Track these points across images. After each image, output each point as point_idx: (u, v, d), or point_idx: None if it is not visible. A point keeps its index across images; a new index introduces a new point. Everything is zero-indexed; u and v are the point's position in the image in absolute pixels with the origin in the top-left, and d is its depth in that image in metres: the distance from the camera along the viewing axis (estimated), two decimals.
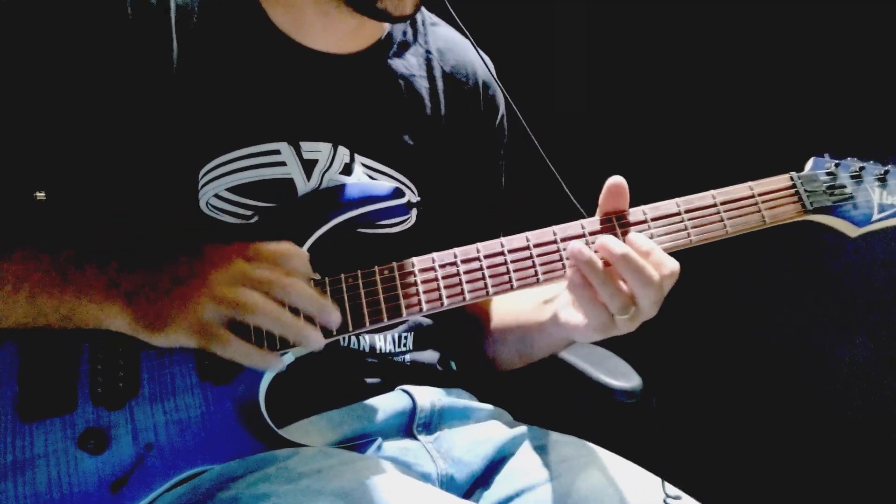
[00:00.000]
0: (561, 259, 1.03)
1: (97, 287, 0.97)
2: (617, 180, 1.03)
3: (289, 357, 1.02)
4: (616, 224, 1.04)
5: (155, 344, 0.96)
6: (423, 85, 1.24)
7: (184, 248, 0.98)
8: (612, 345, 1.46)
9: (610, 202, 1.05)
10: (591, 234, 1.04)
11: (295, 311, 0.96)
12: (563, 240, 1.03)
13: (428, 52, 1.26)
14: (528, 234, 1.04)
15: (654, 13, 2.21)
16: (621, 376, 1.42)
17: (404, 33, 1.25)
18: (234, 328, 0.95)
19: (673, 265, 0.99)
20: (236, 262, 0.95)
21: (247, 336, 0.96)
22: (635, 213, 1.05)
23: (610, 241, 0.98)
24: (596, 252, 0.98)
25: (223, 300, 0.93)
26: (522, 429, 1.20)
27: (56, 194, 1.09)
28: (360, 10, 1.08)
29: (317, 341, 0.96)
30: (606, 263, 0.98)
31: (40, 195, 1.08)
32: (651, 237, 1.03)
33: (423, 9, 1.28)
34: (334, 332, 1.00)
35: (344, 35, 1.14)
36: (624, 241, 1.00)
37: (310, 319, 0.97)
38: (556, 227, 1.04)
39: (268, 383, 1.01)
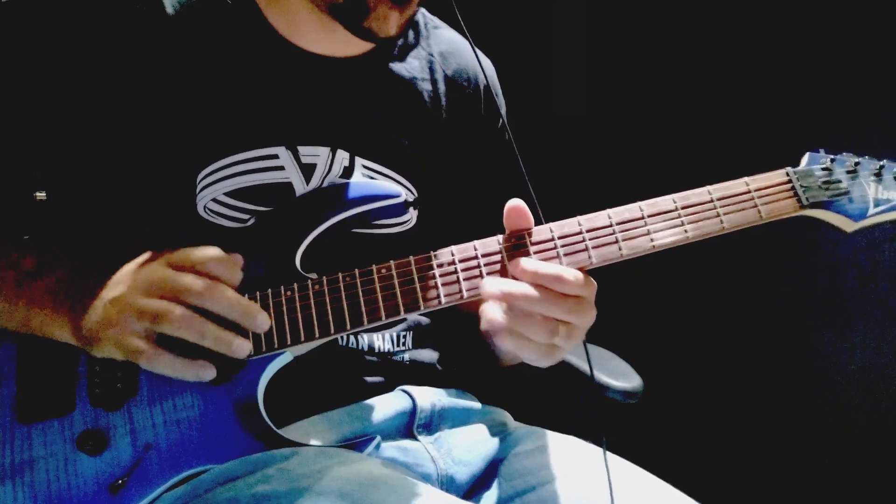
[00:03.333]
0: (558, 256, 1.02)
1: (46, 300, 0.97)
2: (513, 204, 1.01)
3: (287, 356, 1.02)
4: (524, 242, 1.02)
5: (97, 356, 0.95)
6: (424, 88, 1.24)
7: (122, 259, 0.97)
8: (613, 345, 1.47)
9: (511, 224, 1.02)
10: (492, 253, 1.02)
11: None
12: (561, 237, 1.03)
13: (430, 54, 1.26)
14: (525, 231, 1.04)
15: (653, 11, 2.22)
16: (621, 376, 1.42)
17: (406, 36, 1.25)
18: (171, 341, 0.92)
19: (569, 275, 0.95)
20: (157, 271, 0.93)
21: (192, 349, 0.93)
22: (541, 232, 1.03)
23: (485, 284, 0.97)
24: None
25: (141, 312, 0.91)
26: (523, 429, 1.20)
27: (56, 196, 1.09)
28: (346, 27, 1.08)
29: (244, 350, 0.94)
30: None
31: (40, 195, 1.08)
32: (557, 256, 1.01)
33: (425, 12, 1.29)
34: (333, 332, 1.00)
35: (341, 39, 1.14)
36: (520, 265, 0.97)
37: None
38: (552, 225, 1.04)
39: (266, 383, 1.01)
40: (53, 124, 1.04)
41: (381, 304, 1.00)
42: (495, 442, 1.18)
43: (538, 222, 1.03)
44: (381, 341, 1.16)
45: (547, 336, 0.95)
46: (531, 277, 0.95)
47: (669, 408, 2.16)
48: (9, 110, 1.04)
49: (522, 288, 0.94)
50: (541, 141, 1.16)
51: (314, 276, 1.03)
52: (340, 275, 1.02)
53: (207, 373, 0.94)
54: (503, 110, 1.35)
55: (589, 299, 0.98)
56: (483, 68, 1.28)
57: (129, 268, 0.95)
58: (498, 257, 1.02)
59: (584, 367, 1.38)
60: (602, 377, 1.41)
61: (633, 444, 1.29)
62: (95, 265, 0.98)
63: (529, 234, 1.02)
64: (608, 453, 1.12)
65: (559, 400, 1.42)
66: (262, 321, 0.95)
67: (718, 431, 2.32)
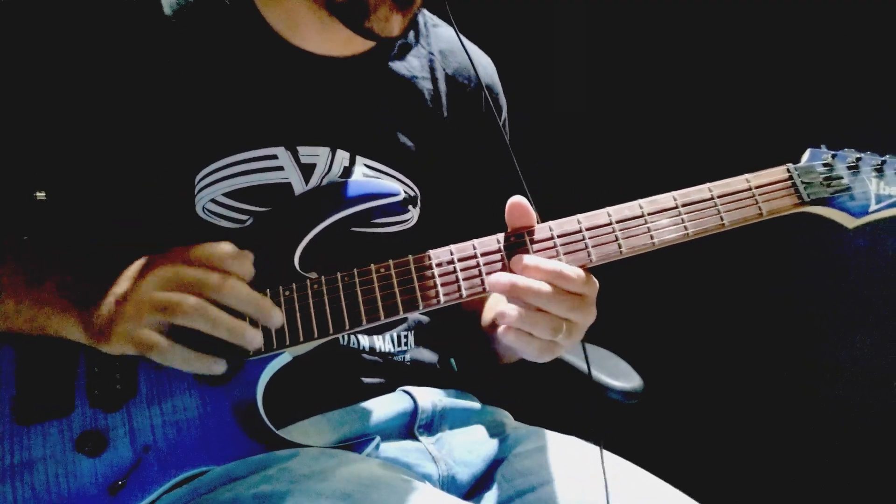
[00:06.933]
0: (557, 255, 1.02)
1: (54, 298, 0.97)
2: (515, 200, 1.02)
3: (286, 356, 1.02)
4: (524, 240, 1.03)
5: (109, 353, 0.95)
6: (425, 86, 1.23)
7: (124, 259, 0.97)
8: (612, 345, 1.46)
9: (514, 221, 1.03)
10: (491, 252, 1.03)
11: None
12: (560, 235, 1.03)
13: (430, 53, 1.26)
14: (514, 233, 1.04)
15: (653, 8, 2.22)
16: (621, 376, 1.42)
17: (406, 36, 1.24)
18: (182, 336, 0.92)
19: (572, 272, 0.97)
20: (170, 266, 0.93)
21: (203, 343, 0.93)
22: (541, 230, 1.03)
23: (494, 279, 0.98)
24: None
25: (154, 305, 0.90)
26: (523, 429, 1.20)
27: (55, 196, 1.09)
28: (348, 27, 1.07)
29: (253, 339, 0.93)
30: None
31: (40, 195, 1.08)
32: (556, 254, 1.01)
33: (425, 11, 1.29)
34: (331, 332, 0.99)
35: (342, 39, 1.14)
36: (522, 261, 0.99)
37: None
38: (552, 223, 1.04)
39: (265, 384, 1.01)
40: (53, 124, 1.04)
41: (379, 303, 1.00)
42: (496, 442, 1.17)
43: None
44: (382, 342, 1.15)
45: (550, 332, 0.96)
46: (533, 274, 0.97)
47: (669, 408, 2.16)
48: (8, 110, 1.03)
49: (530, 282, 0.96)
50: (540, 139, 1.16)
51: (313, 275, 1.03)
52: (339, 274, 1.01)
53: (218, 366, 0.93)
54: (504, 109, 1.34)
55: (590, 297, 0.99)
56: (482, 67, 1.28)
57: (138, 264, 0.95)
58: (497, 256, 1.02)
59: (584, 367, 1.38)
60: (602, 377, 1.40)
61: (633, 444, 1.29)
62: (100, 265, 0.98)
63: (530, 233, 1.02)
64: (608, 453, 1.13)
65: (559, 400, 1.42)
66: (276, 316, 0.95)
67: (718, 431, 2.32)
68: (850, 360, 2.19)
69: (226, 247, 0.95)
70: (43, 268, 1.01)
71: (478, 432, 1.18)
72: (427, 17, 1.29)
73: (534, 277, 0.97)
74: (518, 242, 1.02)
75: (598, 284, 1.00)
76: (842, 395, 2.21)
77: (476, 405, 1.22)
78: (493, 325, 1.19)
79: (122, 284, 0.94)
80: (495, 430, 1.20)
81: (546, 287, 0.96)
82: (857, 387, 2.18)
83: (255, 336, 0.93)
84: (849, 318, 2.18)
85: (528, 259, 0.98)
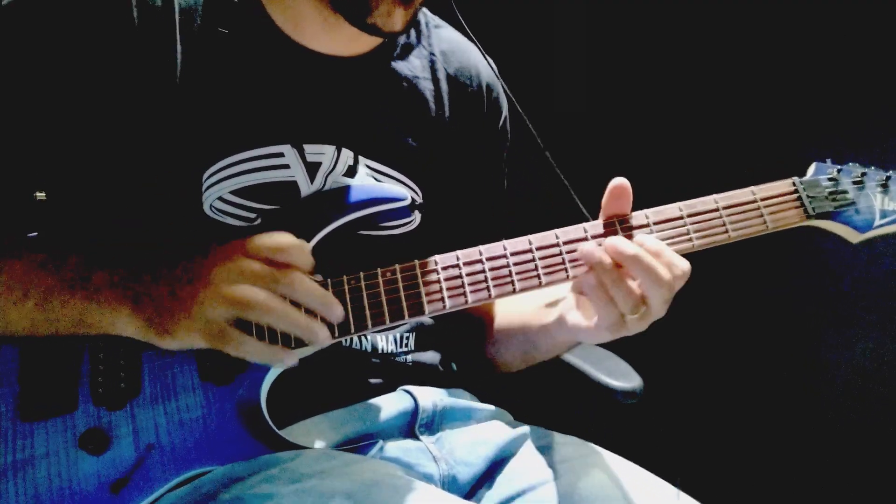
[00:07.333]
0: (563, 262, 1.03)
1: (105, 293, 0.96)
2: (619, 182, 1.03)
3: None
4: (619, 228, 1.04)
5: (165, 347, 0.95)
6: (427, 87, 1.23)
7: (186, 250, 0.98)
8: (612, 345, 1.46)
9: (613, 205, 1.05)
10: (594, 237, 1.04)
11: (296, 305, 0.95)
12: (566, 243, 1.03)
13: (432, 54, 1.26)
14: (531, 236, 1.04)
15: (656, 15, 2.21)
16: (621, 376, 1.42)
17: (408, 36, 1.24)
18: (239, 326, 0.94)
19: (684, 265, 1.00)
20: (238, 258, 0.94)
21: (250, 333, 0.95)
22: (637, 217, 1.05)
23: (620, 242, 0.99)
24: (606, 252, 0.99)
25: (228, 299, 0.92)
26: (523, 429, 1.20)
27: (59, 196, 1.09)
28: (352, 23, 1.07)
29: (325, 338, 0.96)
30: (617, 265, 0.98)
31: (40, 195, 1.08)
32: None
33: (426, 11, 1.28)
34: (336, 334, 0.99)
35: (346, 38, 1.14)
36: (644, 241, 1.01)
37: (312, 314, 0.96)
38: (558, 231, 1.04)
39: (269, 384, 1.01)
40: (56, 124, 1.03)
41: (385, 308, 1.00)
42: (496, 442, 1.17)
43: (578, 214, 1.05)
44: (385, 342, 1.16)
45: (632, 307, 0.99)
46: (655, 255, 0.99)
47: (669, 408, 2.17)
48: (12, 111, 1.03)
49: (647, 256, 0.98)
50: (540, 139, 1.16)
51: (318, 277, 1.03)
52: (345, 278, 1.02)
53: (291, 359, 0.96)
54: (505, 109, 1.34)
55: (675, 289, 1.01)
56: (488, 64, 1.28)
57: (200, 261, 0.96)
58: (503, 262, 1.02)
59: (584, 366, 1.39)
60: (602, 377, 1.41)
61: (633, 444, 1.29)
62: (143, 261, 0.98)
63: (622, 221, 1.04)
64: (607, 452, 1.14)
65: (559, 400, 1.43)
66: (340, 312, 0.97)
67: (719, 431, 2.33)
68: (849, 359, 2.19)
69: (286, 238, 0.97)
70: (86, 264, 0.99)
71: (478, 432, 1.18)
72: (429, 18, 1.29)
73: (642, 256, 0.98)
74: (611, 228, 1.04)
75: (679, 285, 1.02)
76: (841, 394, 2.22)
77: (477, 405, 1.23)
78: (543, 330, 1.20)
79: (192, 277, 0.94)
80: (496, 430, 1.20)
81: (647, 258, 0.98)
82: (856, 386, 2.19)
83: (325, 333, 0.96)
84: (848, 318, 2.19)
85: (651, 241, 1.00)
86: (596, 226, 1.05)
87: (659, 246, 1.00)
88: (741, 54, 2.17)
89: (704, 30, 2.20)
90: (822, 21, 2.05)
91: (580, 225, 1.05)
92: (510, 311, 1.31)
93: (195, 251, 0.97)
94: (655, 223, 1.04)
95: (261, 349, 0.94)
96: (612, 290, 0.98)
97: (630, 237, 1.02)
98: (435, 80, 1.25)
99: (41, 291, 0.98)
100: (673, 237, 1.03)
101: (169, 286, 0.95)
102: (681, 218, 1.04)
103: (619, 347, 1.46)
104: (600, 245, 1.00)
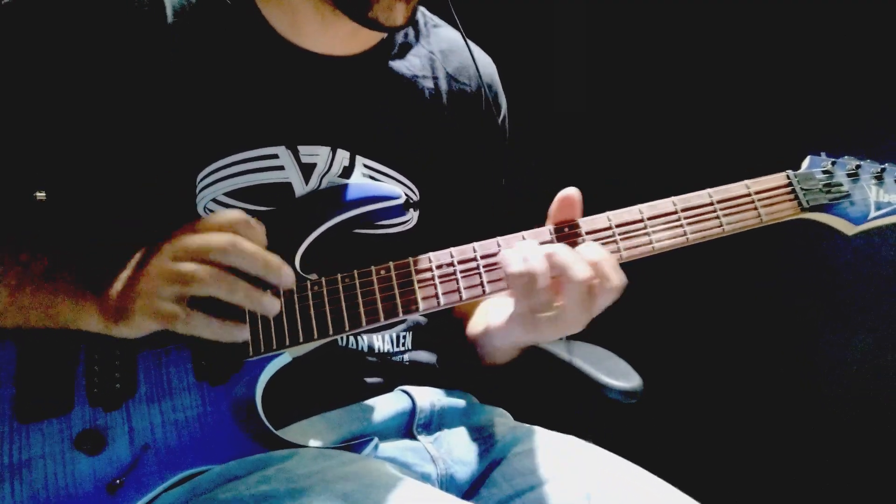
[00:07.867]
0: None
1: (71, 287, 0.98)
2: (567, 193, 1.04)
3: (286, 357, 1.02)
4: (567, 233, 1.05)
5: (125, 336, 0.95)
6: (426, 86, 1.24)
7: (143, 241, 0.98)
8: (613, 345, 1.46)
9: (560, 213, 1.05)
10: (490, 255, 1.04)
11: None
12: (482, 256, 1.04)
13: (431, 53, 1.26)
14: (524, 233, 1.04)
15: (654, 13, 2.21)
16: (621, 376, 1.42)
17: (406, 35, 1.24)
18: (201, 306, 0.93)
19: (617, 277, 0.99)
20: (180, 238, 0.94)
21: (225, 315, 0.95)
22: (600, 220, 1.05)
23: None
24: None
25: (169, 276, 0.91)
26: (522, 429, 1.20)
27: (55, 196, 1.09)
28: (353, 18, 1.08)
29: (268, 303, 0.94)
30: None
31: (40, 195, 1.08)
32: (615, 242, 1.03)
33: (425, 11, 1.29)
34: (331, 332, 0.99)
35: (343, 37, 1.14)
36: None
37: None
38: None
39: (265, 384, 1.01)
40: (54, 124, 1.04)
41: (379, 305, 1.01)
42: (495, 442, 1.17)
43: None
44: (381, 342, 1.16)
45: (543, 302, 0.99)
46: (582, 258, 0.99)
47: (669, 408, 2.16)
48: (9, 111, 1.03)
49: (571, 261, 0.98)
50: (540, 139, 1.16)
51: (314, 276, 1.03)
52: (339, 276, 1.02)
53: (242, 332, 0.95)
54: (504, 108, 1.34)
55: (598, 301, 1.00)
56: (483, 66, 1.28)
57: (148, 245, 0.96)
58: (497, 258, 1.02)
59: (584, 366, 1.38)
60: (602, 377, 1.40)
61: (634, 444, 1.29)
62: (109, 256, 0.98)
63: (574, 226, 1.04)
64: (606, 451, 1.13)
65: (559, 400, 1.42)
66: (287, 274, 0.95)
67: (719, 431, 2.32)
68: (849, 358, 2.19)
69: (234, 213, 0.96)
70: (57, 260, 1.01)
71: (477, 432, 1.18)
72: (427, 17, 1.29)
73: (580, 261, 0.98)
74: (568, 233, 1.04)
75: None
76: (841, 393, 2.21)
77: (475, 405, 1.23)
78: (483, 333, 1.21)
79: (134, 264, 0.95)
80: (494, 430, 1.20)
81: (581, 272, 0.97)
82: (856, 386, 2.18)
83: (272, 301, 0.94)
84: (847, 317, 2.18)
85: (588, 247, 1.00)
86: (541, 232, 1.06)
87: (598, 255, 0.99)
88: (736, 49, 2.18)
89: (700, 25, 2.21)
90: (814, 16, 2.05)
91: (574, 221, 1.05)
92: (479, 310, 1.31)
93: (150, 242, 0.97)
94: (649, 218, 1.04)
95: (209, 324, 0.93)
96: (515, 287, 0.99)
97: (575, 243, 1.02)
98: (434, 78, 1.25)
99: (14, 280, 0.99)
100: (667, 231, 1.03)
101: (116, 275, 0.95)
102: (675, 213, 1.04)
103: (619, 347, 1.46)
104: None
